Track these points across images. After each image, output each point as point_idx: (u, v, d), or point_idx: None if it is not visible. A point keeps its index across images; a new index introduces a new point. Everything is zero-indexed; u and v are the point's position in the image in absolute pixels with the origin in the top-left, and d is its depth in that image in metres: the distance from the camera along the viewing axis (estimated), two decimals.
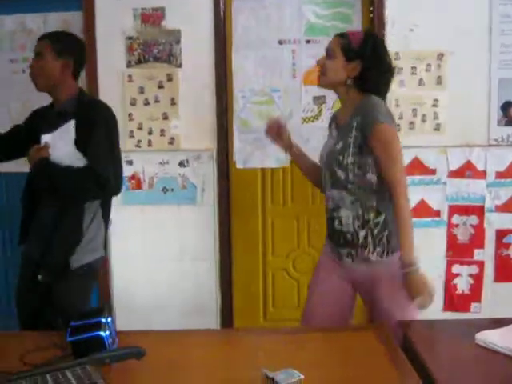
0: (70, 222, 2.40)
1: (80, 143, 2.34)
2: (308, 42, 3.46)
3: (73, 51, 2.48)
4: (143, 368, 1.58)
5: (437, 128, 3.37)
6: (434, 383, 1.57)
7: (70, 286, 2.40)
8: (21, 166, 3.46)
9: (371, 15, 3.39)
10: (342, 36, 2.24)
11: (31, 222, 2.50)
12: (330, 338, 1.88)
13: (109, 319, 1.67)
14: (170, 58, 3.44)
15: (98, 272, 2.64)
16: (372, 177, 2.17)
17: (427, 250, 3.42)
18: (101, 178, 2.31)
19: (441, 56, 3.32)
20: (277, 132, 2.45)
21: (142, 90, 3.45)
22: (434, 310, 3.38)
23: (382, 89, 2.25)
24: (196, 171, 3.47)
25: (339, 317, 2.30)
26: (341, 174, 2.20)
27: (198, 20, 3.42)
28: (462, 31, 3.29)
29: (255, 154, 3.53)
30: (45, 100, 3.58)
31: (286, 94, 3.49)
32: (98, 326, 1.63)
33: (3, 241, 3.78)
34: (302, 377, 1.50)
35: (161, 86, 3.45)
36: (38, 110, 2.68)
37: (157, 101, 3.46)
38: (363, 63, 2.17)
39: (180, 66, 3.44)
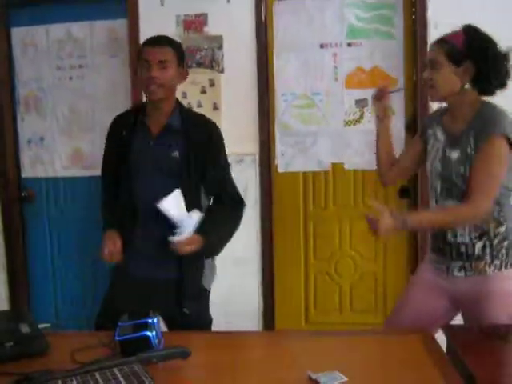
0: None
1: (197, 164, 2.33)
2: (349, 45, 3.44)
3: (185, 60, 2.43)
4: (188, 368, 1.60)
5: None
6: None
7: (203, 305, 2.49)
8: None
9: (413, 17, 3.36)
10: (442, 42, 2.08)
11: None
12: (375, 341, 1.87)
13: (155, 320, 1.71)
14: (213, 63, 3.49)
15: None
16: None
17: None
18: (242, 204, 2.45)
19: None
20: (379, 95, 2.38)
21: (185, 95, 3.49)
22: None
23: (503, 80, 2.07)
24: (239, 175, 3.47)
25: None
26: (462, 185, 2.07)
27: (240, 25, 3.45)
28: (506, 33, 3.22)
29: (297, 157, 3.54)
30: (90, 106, 3.70)
31: (328, 98, 3.49)
32: (145, 326, 1.67)
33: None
34: (346, 379, 1.51)
35: (203, 91, 3.49)
36: (118, 120, 2.52)
37: (200, 106, 3.50)
38: (475, 62, 2.02)
39: (222, 71, 3.48)
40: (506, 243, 2.08)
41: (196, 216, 2.23)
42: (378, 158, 2.46)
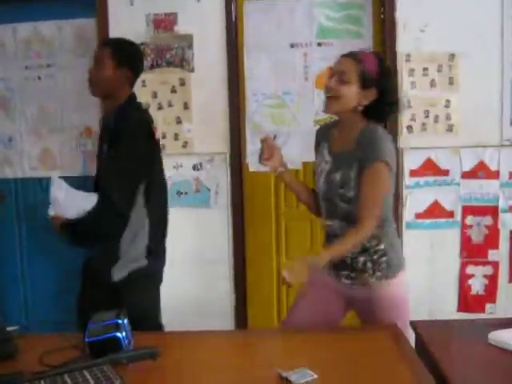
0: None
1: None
2: (319, 44, 3.47)
3: (132, 61, 2.46)
4: (159, 368, 1.60)
5: (449, 129, 3.37)
6: (447, 383, 1.58)
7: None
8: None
9: (382, 16, 3.40)
10: (355, 59, 2.12)
11: None
12: (343, 338, 1.89)
13: (125, 321, 1.70)
14: (183, 62, 3.48)
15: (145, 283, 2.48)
16: None
17: (441, 251, 3.44)
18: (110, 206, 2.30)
19: (452, 57, 3.31)
20: (267, 155, 2.31)
21: (155, 95, 3.48)
22: (449, 311, 3.40)
23: (386, 118, 2.24)
24: (209, 174, 3.49)
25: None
26: (344, 206, 2.16)
27: (210, 24, 3.44)
28: (473, 32, 3.28)
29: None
30: (59, 105, 3.66)
31: (298, 97, 3.50)
32: (115, 327, 1.66)
33: None
34: (316, 376, 1.52)
35: (174, 91, 3.48)
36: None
37: (170, 105, 3.49)
38: (379, 92, 2.11)
39: (192, 70, 3.47)
40: (385, 258, 2.19)
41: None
42: (303, 202, 2.48)
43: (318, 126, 3.43)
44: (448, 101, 3.35)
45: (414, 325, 2.06)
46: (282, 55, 3.50)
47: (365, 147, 2.09)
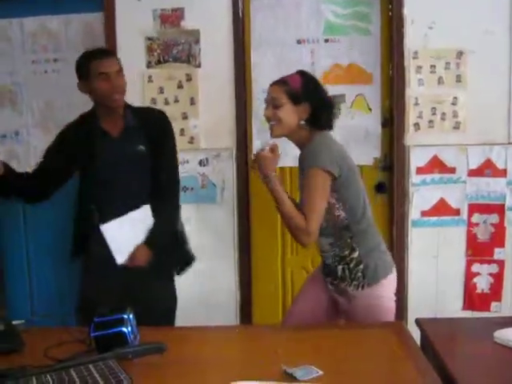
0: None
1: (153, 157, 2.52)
2: (327, 41, 3.46)
3: None
4: (164, 363, 1.60)
5: (456, 126, 3.36)
6: (453, 381, 1.57)
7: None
8: None
9: (390, 13, 3.38)
10: (280, 83, 2.28)
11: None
12: (349, 335, 1.89)
13: (131, 315, 1.70)
14: (189, 58, 3.47)
15: None
16: (341, 213, 2.24)
17: (447, 248, 3.43)
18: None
19: (460, 54, 3.30)
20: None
21: (161, 90, 3.48)
22: (454, 310, 3.40)
23: (331, 121, 2.33)
24: (216, 170, 3.49)
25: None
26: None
27: (217, 20, 3.43)
28: (481, 29, 3.27)
29: None
30: (66, 100, 3.65)
31: None
32: (121, 322, 1.66)
33: None
34: (321, 373, 1.52)
35: (180, 86, 3.48)
36: (71, 128, 2.69)
37: (176, 101, 3.49)
38: (311, 103, 2.24)
39: (199, 65, 3.47)
40: (361, 266, 2.27)
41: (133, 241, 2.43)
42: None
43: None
44: (455, 98, 3.34)
45: (420, 322, 2.06)
46: (288, 51, 3.49)
47: (305, 155, 2.26)
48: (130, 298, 2.40)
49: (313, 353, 1.70)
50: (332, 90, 3.38)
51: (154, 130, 2.51)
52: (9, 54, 3.69)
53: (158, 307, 2.48)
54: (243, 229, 3.55)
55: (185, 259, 2.77)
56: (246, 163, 3.53)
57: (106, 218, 2.51)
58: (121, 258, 2.42)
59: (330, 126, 2.33)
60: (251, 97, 3.52)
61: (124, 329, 1.64)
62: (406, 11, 3.31)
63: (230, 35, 3.43)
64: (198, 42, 3.45)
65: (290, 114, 2.25)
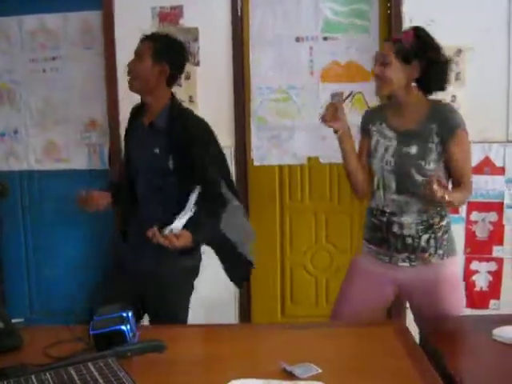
0: None
1: (179, 161, 2.31)
2: (325, 39, 3.46)
3: (171, 56, 2.37)
4: (164, 361, 1.60)
5: None
6: (452, 378, 1.58)
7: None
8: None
9: (388, 11, 3.38)
10: (391, 40, 2.19)
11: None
12: (348, 333, 1.89)
13: (130, 314, 1.70)
14: (188, 56, 3.46)
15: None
16: (441, 177, 2.15)
17: None
18: (221, 199, 2.34)
19: (459, 52, 3.30)
20: (333, 115, 2.27)
21: None
22: None
23: (444, 84, 2.21)
24: None
25: (368, 317, 2.27)
26: (418, 179, 2.16)
27: (216, 18, 3.43)
28: (480, 27, 3.27)
29: (273, 151, 3.54)
30: (64, 98, 3.65)
31: (304, 91, 3.50)
32: (120, 320, 1.66)
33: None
34: (320, 371, 1.52)
35: (179, 84, 3.46)
36: (133, 111, 2.55)
37: None
38: (422, 62, 2.13)
39: (198, 64, 3.47)
40: (446, 235, 2.24)
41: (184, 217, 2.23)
42: (354, 179, 2.38)
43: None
44: (454, 96, 3.33)
45: (419, 321, 2.06)
46: (287, 49, 3.49)
47: (442, 120, 2.16)
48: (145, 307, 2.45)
49: (312, 351, 1.70)
50: (330, 87, 3.44)
51: (179, 135, 2.31)
52: (7, 52, 3.70)
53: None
54: None
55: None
56: (245, 161, 3.53)
57: (127, 216, 2.50)
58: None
59: (441, 88, 2.22)
60: (250, 94, 3.52)
61: (123, 327, 1.64)
62: (404, 9, 3.31)
63: (228, 33, 3.43)
64: (196, 39, 3.45)
65: (398, 73, 2.14)
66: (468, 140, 2.21)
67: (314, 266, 3.65)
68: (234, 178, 3.46)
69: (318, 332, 1.93)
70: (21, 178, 3.81)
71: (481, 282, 3.46)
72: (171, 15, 3.46)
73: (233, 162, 3.48)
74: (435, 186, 1.97)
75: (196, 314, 3.48)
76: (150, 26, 3.45)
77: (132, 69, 2.37)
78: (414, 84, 2.19)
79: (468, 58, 3.30)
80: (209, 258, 3.51)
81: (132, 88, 2.38)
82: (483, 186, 3.38)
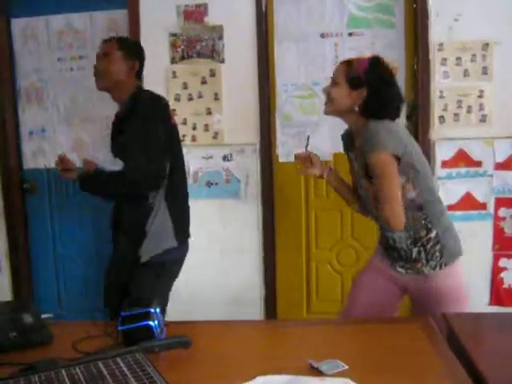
0: (130, 217, 2.54)
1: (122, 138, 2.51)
2: (350, 34, 3.44)
3: (137, 53, 2.62)
4: (190, 357, 1.61)
5: (483, 119, 3.32)
6: (480, 376, 1.56)
7: (141, 279, 2.51)
8: None
9: (414, 5, 3.35)
10: (347, 64, 2.22)
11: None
12: (374, 329, 1.88)
13: (157, 309, 1.72)
14: (213, 53, 3.48)
15: (174, 265, 2.64)
16: (411, 194, 2.16)
17: (473, 243, 3.38)
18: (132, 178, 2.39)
19: (486, 46, 3.26)
20: (307, 162, 2.42)
21: (185, 86, 3.50)
22: (481, 304, 3.36)
23: (391, 114, 2.19)
24: (239, 165, 3.50)
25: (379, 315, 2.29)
26: (367, 198, 2.25)
27: (240, 15, 3.44)
28: (507, 20, 3.23)
29: (298, 147, 3.52)
30: (91, 97, 3.69)
31: None
32: (147, 315, 1.68)
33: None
34: (347, 367, 1.52)
35: (204, 82, 3.49)
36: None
37: (200, 96, 3.50)
38: (368, 91, 2.15)
39: (223, 61, 3.48)
40: (438, 246, 2.21)
41: None
42: (347, 201, 2.52)
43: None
44: (481, 91, 3.30)
45: (446, 317, 2.04)
46: (312, 45, 3.48)
47: (364, 142, 2.15)
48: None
49: (338, 347, 1.70)
50: None
51: (129, 116, 2.49)
52: (35, 52, 3.75)
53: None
54: (267, 224, 3.56)
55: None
56: (270, 158, 3.54)
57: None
58: None
59: (386, 117, 2.19)
60: (275, 92, 3.52)
61: (151, 322, 1.66)
62: (430, 3, 3.27)
63: (253, 30, 3.43)
64: (221, 37, 3.46)
65: (343, 95, 2.18)
66: (385, 164, 2.09)
67: (339, 262, 3.64)
68: (259, 174, 3.51)
69: (344, 328, 1.92)
70: (48, 175, 3.86)
71: (509, 279, 3.41)
72: (196, 13, 3.47)
73: (258, 159, 3.49)
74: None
75: (222, 310, 3.51)
76: (174, 24, 3.47)
77: (100, 68, 2.56)
78: (356, 109, 2.20)
79: (495, 51, 3.25)
80: (233, 255, 3.55)
81: (98, 86, 2.59)
82: (511, 181, 3.33)
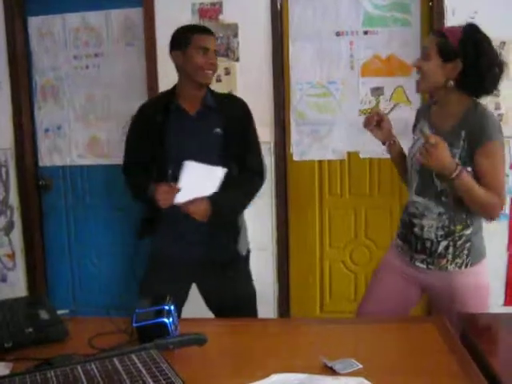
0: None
1: (231, 141, 2.46)
2: (366, 33, 3.43)
3: None
4: (204, 354, 1.62)
5: (499, 119, 3.29)
6: (494, 376, 1.55)
7: (244, 271, 2.69)
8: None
9: (430, 3, 3.33)
10: (438, 34, 2.06)
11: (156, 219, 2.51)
12: (389, 329, 1.88)
13: (172, 307, 1.73)
14: (228, 51, 3.48)
15: None
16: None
17: (488, 243, 3.33)
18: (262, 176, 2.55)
19: (503, 44, 3.23)
20: (376, 123, 2.27)
21: None
22: (495, 305, 3.34)
23: (488, 88, 2.05)
24: None
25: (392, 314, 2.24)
26: (437, 184, 2.09)
27: (255, 13, 3.44)
28: None
29: (312, 146, 3.53)
30: (106, 94, 3.70)
31: (344, 86, 3.48)
32: (162, 312, 1.69)
33: None
34: (361, 366, 1.52)
35: (219, 80, 3.49)
36: (147, 108, 2.61)
37: None
38: (463, 62, 1.98)
39: (237, 59, 3.48)
40: (468, 244, 2.12)
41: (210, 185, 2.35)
42: (402, 177, 2.43)
43: (363, 116, 3.43)
44: (498, 90, 3.25)
45: (461, 317, 2.03)
46: (327, 44, 3.47)
47: (472, 127, 2.01)
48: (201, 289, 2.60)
49: (352, 346, 1.70)
50: (371, 81, 3.41)
51: (234, 114, 2.48)
52: (51, 50, 3.78)
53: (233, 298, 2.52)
54: (281, 222, 3.56)
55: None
56: (285, 156, 3.54)
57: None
58: (181, 197, 2.30)
59: (484, 92, 2.06)
60: (289, 90, 3.52)
61: (165, 319, 1.67)
62: (446, 1, 3.25)
63: (268, 28, 3.43)
64: (236, 35, 3.46)
65: (435, 69, 2.03)
66: (501, 152, 2.01)
67: (353, 261, 3.63)
68: (273, 172, 3.51)
69: (358, 327, 1.92)
70: (63, 172, 3.88)
71: None
72: (211, 11, 3.48)
73: (272, 158, 3.49)
74: (433, 140, 1.89)
75: None
76: (190, 23, 3.46)
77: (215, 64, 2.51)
78: (452, 84, 2.04)
79: None
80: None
81: (209, 81, 2.51)
82: None
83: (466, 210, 2.08)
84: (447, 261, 2.13)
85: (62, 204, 3.91)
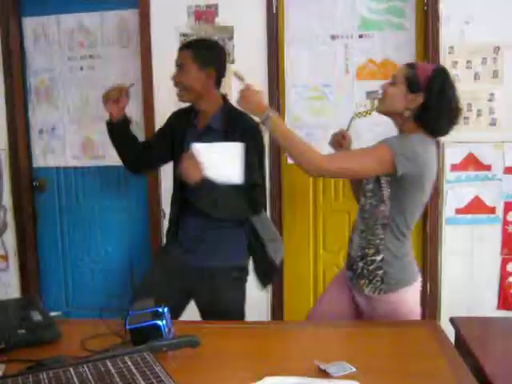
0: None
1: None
2: (361, 36, 3.44)
3: (215, 59, 2.47)
4: (198, 357, 1.62)
5: (493, 123, 3.30)
6: (487, 379, 1.56)
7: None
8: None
9: (425, 8, 3.34)
10: (410, 65, 2.15)
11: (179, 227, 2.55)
12: (382, 332, 1.88)
13: (165, 309, 1.72)
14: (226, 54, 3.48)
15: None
16: (385, 209, 2.10)
17: (481, 247, 3.38)
18: (257, 202, 2.43)
19: (497, 49, 3.25)
20: (338, 141, 2.40)
21: None
22: (488, 309, 3.35)
23: (441, 128, 2.12)
24: None
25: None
26: (362, 200, 2.21)
27: (251, 16, 3.44)
28: None
29: None
30: (101, 96, 3.69)
31: (339, 90, 3.48)
32: (156, 315, 1.68)
33: None
34: (355, 370, 1.52)
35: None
36: (180, 113, 2.64)
37: None
38: (426, 98, 2.06)
39: (233, 62, 3.47)
40: (380, 272, 2.13)
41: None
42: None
43: (358, 120, 3.42)
44: (492, 94, 3.28)
45: (454, 321, 2.04)
46: (322, 47, 3.48)
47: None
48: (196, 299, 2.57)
49: (346, 349, 1.70)
50: (366, 85, 3.42)
51: (238, 137, 2.36)
52: (46, 51, 3.77)
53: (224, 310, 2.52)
54: (275, 225, 3.54)
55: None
56: (279, 159, 3.53)
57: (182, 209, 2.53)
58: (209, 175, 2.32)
59: (435, 131, 2.13)
60: (284, 93, 3.52)
61: (159, 322, 1.67)
62: (441, 6, 3.26)
63: (263, 31, 3.43)
64: (231, 38, 3.46)
65: (398, 95, 2.09)
66: (377, 151, 2.07)
67: None
68: (267, 175, 3.50)
69: (352, 331, 1.93)
70: (57, 173, 3.87)
71: None
72: (207, 14, 3.48)
73: (267, 161, 3.48)
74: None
75: None
76: (185, 25, 3.48)
77: (178, 81, 2.42)
78: (408, 114, 2.10)
79: (506, 55, 3.24)
80: None
81: (183, 99, 2.46)
82: None
83: (381, 233, 2.12)
84: (363, 283, 2.17)
85: (55, 205, 3.89)
